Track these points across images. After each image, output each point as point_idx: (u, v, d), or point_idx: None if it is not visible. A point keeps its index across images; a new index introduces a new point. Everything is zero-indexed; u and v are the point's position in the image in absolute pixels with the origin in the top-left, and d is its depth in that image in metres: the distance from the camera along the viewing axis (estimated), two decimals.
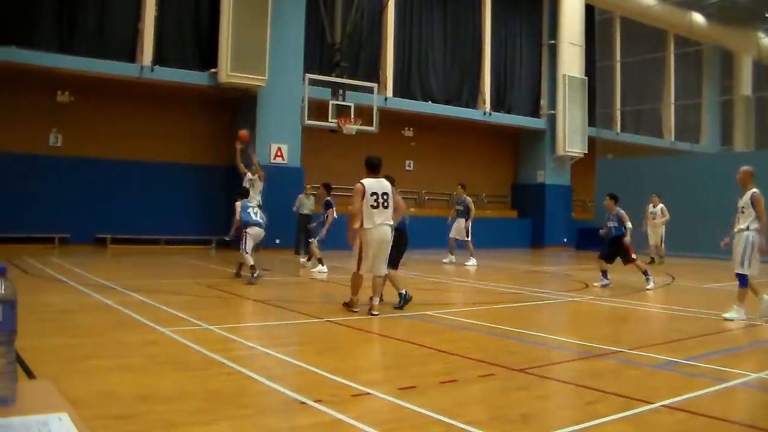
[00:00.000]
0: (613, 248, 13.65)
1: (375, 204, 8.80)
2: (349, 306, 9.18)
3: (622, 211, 13.78)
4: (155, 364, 5.90)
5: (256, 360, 6.29)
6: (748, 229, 9.50)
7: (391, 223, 8.99)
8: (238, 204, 13.14)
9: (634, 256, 13.51)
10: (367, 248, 8.85)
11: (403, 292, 9.61)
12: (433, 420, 4.41)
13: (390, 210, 8.95)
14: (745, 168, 10.02)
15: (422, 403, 4.74)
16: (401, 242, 10.30)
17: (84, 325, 7.82)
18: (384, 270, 9.14)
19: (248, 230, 12.82)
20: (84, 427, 1.41)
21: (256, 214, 13.13)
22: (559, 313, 10.66)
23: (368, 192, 8.79)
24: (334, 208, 15.57)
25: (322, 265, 14.91)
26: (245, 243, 12.68)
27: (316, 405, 4.65)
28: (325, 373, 5.57)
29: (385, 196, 8.89)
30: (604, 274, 13.52)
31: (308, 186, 20.12)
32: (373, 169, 9.13)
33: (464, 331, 8.22)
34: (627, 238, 13.48)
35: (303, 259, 16.53)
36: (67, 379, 5.07)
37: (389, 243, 9.04)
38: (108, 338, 7.00)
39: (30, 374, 4.98)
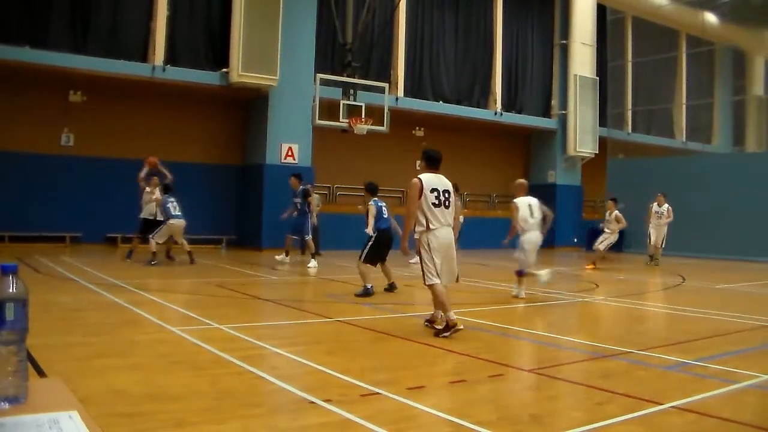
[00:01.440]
0: None
1: (437, 202, 7.71)
2: (449, 328, 7.48)
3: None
4: (165, 363, 5.92)
5: (266, 359, 6.31)
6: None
7: (452, 225, 7.95)
8: (160, 198, 15.44)
9: None
10: (434, 252, 7.66)
11: (369, 286, 10.74)
12: (443, 420, 4.42)
13: (452, 211, 7.91)
14: (519, 181, 11.71)
15: (431, 404, 4.75)
16: (385, 243, 11.10)
17: (95, 323, 7.86)
18: (453, 280, 8.04)
19: (169, 222, 15.10)
20: (94, 425, 1.42)
21: (175, 209, 15.28)
22: (569, 314, 10.63)
23: (427, 188, 7.71)
24: (313, 195, 17.16)
25: (314, 259, 16.07)
26: (158, 232, 15.18)
27: (326, 405, 4.66)
28: (334, 373, 5.58)
29: (446, 194, 7.84)
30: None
31: (310, 186, 20.09)
32: (433, 163, 8.09)
33: (474, 332, 8.20)
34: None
35: (279, 257, 16.55)
36: (77, 378, 5.10)
37: (454, 247, 7.99)
38: (118, 337, 7.04)
39: (41, 372, 5.02)
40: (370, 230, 11.05)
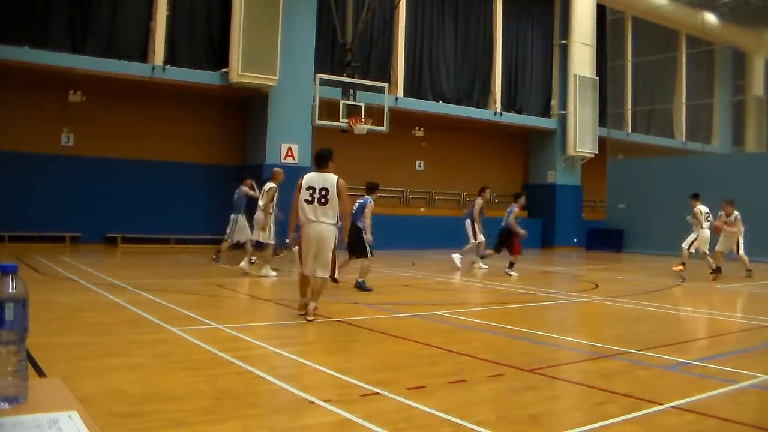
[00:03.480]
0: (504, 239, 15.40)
1: (309, 199, 8.27)
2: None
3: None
4: (165, 363, 5.92)
5: (266, 359, 6.31)
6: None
7: (329, 221, 8.31)
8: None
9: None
10: (303, 245, 8.40)
11: (362, 281, 11.55)
12: (442, 420, 4.41)
13: (328, 207, 8.25)
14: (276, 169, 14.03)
15: (431, 404, 4.74)
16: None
17: (94, 323, 7.86)
18: (323, 272, 8.48)
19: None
20: (94, 425, 1.42)
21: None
22: (568, 314, 10.63)
23: (304, 186, 8.36)
24: None
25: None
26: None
27: (325, 404, 4.66)
28: (334, 373, 5.58)
29: (323, 192, 8.25)
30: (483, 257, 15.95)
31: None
32: (316, 162, 8.65)
33: (474, 332, 8.21)
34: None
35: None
36: (77, 378, 5.10)
37: (327, 242, 8.38)
38: (118, 337, 7.03)
39: (40, 372, 5.01)
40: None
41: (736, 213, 17.10)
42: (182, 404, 4.65)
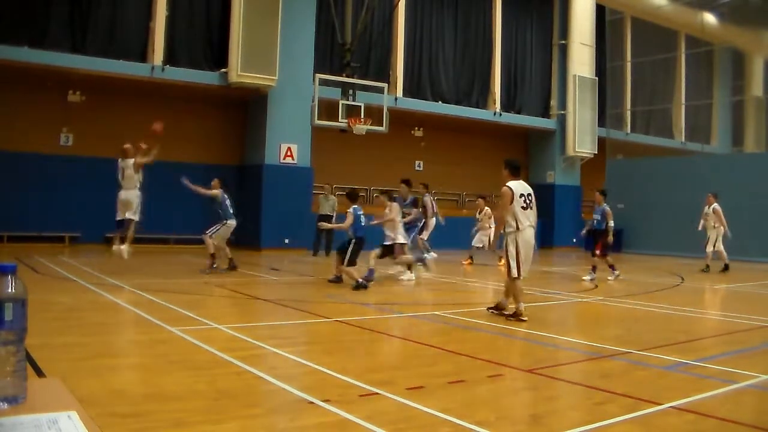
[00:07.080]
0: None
1: (524, 205, 8.90)
2: (517, 316, 8.73)
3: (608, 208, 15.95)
4: (164, 363, 5.92)
5: (265, 359, 6.31)
6: None
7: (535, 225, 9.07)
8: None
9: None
10: (522, 250, 8.85)
11: (361, 280, 11.64)
12: (442, 420, 4.41)
13: (535, 211, 9.06)
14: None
15: (430, 404, 4.74)
16: (361, 248, 12.04)
17: (93, 323, 7.85)
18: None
19: (228, 222, 14.61)
20: (93, 426, 1.41)
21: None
22: (568, 314, 10.63)
23: (516, 194, 8.88)
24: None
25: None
26: (215, 232, 14.63)
27: (325, 405, 4.65)
28: (333, 373, 5.58)
29: (530, 197, 9.02)
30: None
31: (328, 186, 20.16)
32: (515, 172, 9.20)
33: (473, 332, 8.21)
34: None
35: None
36: (76, 378, 5.09)
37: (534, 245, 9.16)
38: (117, 337, 7.03)
39: (39, 372, 5.01)
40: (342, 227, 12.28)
41: (715, 205, 17.18)
42: (181, 404, 4.65)
